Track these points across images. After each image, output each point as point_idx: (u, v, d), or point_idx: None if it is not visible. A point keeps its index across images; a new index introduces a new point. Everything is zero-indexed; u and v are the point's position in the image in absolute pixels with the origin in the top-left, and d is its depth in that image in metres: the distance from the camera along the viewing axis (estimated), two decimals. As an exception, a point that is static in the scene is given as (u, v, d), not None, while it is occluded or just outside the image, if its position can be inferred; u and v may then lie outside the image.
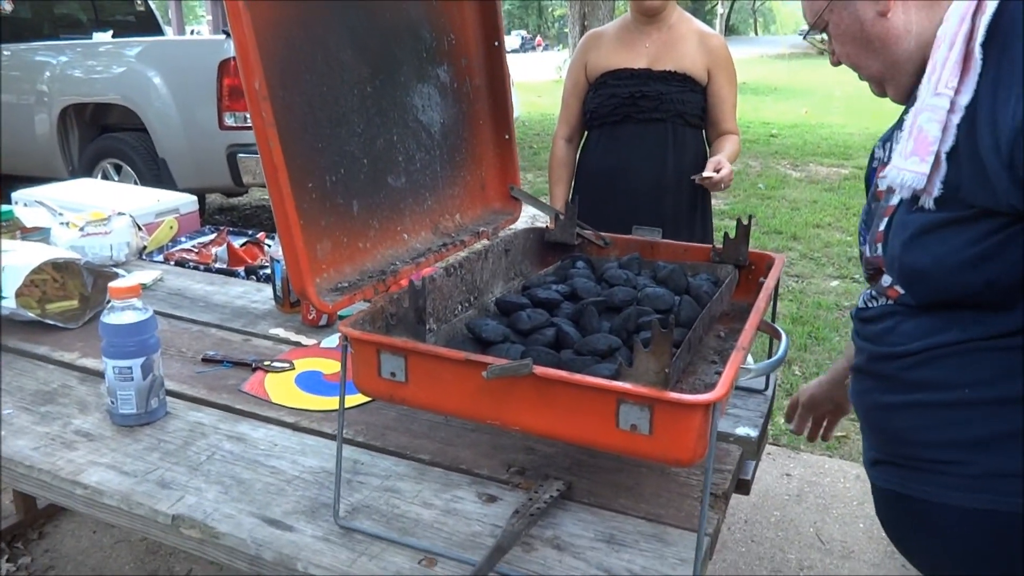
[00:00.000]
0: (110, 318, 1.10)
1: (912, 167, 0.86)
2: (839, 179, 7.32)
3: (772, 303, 1.11)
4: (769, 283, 1.05)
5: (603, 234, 1.29)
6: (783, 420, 1.51)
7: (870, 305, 1.01)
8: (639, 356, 0.75)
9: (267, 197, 6.20)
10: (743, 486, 1.13)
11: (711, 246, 1.21)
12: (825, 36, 1.03)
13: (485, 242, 1.24)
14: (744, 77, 18.97)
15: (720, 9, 25.38)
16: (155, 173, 4.72)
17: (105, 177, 4.98)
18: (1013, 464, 0.86)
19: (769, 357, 1.25)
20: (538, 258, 1.33)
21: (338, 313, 1.14)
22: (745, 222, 1.16)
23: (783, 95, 14.99)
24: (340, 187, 1.00)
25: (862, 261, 1.03)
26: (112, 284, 1.11)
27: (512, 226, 1.33)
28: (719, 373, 0.97)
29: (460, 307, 1.14)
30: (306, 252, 0.88)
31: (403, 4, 1.14)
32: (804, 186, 7.03)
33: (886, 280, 0.98)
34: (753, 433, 1.11)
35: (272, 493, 0.97)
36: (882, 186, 0.97)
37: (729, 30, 35.94)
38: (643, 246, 1.26)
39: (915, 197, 0.88)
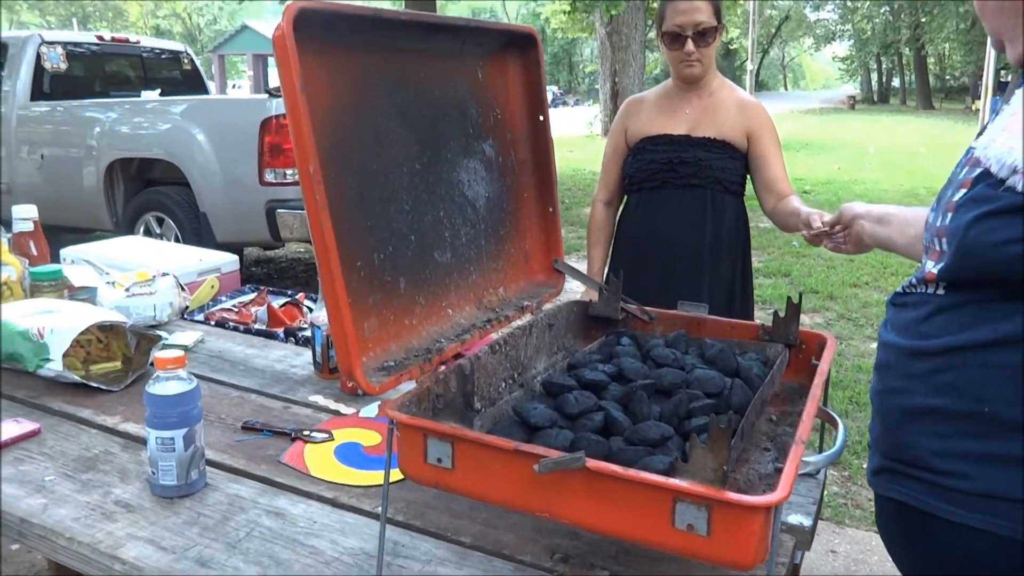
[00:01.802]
0: (155, 388, 1.10)
1: (1013, 143, 0.84)
2: (875, 237, 7.24)
3: (825, 387, 1.08)
4: (823, 367, 1.02)
5: (648, 309, 1.28)
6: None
7: (908, 292, 1.00)
8: (696, 452, 0.72)
9: (302, 250, 6.31)
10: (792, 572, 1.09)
11: (760, 324, 1.19)
12: None
13: (529, 316, 1.23)
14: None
15: (750, 65, 25.61)
16: (195, 227, 4.83)
17: (147, 230, 5.10)
18: (1016, 490, 0.85)
19: (821, 441, 1.22)
20: (581, 332, 1.32)
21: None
22: (796, 300, 1.14)
23: (815, 150, 14.98)
24: (388, 264, 1.01)
25: (925, 233, 1.01)
26: (158, 354, 1.12)
27: (555, 298, 1.32)
28: (773, 463, 0.95)
29: (504, 384, 1.13)
30: (355, 333, 0.88)
31: (451, 81, 1.16)
32: (839, 244, 6.96)
33: (928, 265, 0.96)
34: (807, 522, 1.07)
35: (311, 575, 0.94)
36: (976, 153, 0.94)
37: (759, 86, 36.24)
38: (689, 322, 1.24)
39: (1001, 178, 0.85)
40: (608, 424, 0.92)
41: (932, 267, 0.96)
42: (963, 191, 0.92)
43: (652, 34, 19.55)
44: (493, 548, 1.01)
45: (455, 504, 1.10)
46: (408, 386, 0.96)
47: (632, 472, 0.74)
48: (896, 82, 42.68)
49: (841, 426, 0.95)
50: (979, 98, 20.47)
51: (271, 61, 32.91)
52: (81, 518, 1.04)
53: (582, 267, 1.80)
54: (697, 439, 0.73)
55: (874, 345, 4.49)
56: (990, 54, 16.83)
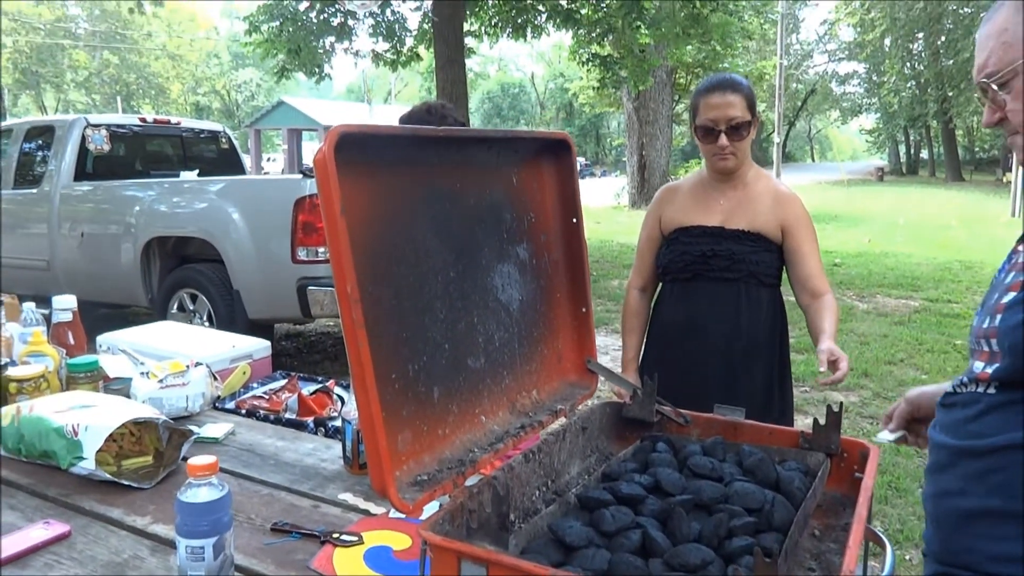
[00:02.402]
0: (187, 496, 1.09)
1: None
2: (909, 312, 7.14)
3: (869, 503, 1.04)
4: (867, 482, 0.99)
5: (683, 412, 1.26)
6: (880, 433, 1.39)
7: (957, 391, 0.98)
8: (740, 587, 0.70)
9: (332, 324, 6.33)
10: None
11: (800, 431, 1.16)
12: (995, 88, 1.00)
13: (562, 420, 1.22)
14: (804, 204, 19.07)
15: (776, 138, 25.90)
16: (228, 303, 4.91)
17: (181, 306, 5.19)
18: None
19: (865, 556, 1.17)
20: (615, 434, 1.30)
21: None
22: (836, 409, 1.11)
23: (844, 223, 14.94)
24: (422, 375, 1.01)
25: (971, 336, 1.00)
26: (191, 461, 1.12)
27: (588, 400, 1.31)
28: (819, 586, 0.91)
29: (538, 492, 1.11)
30: (388, 449, 0.87)
31: (486, 189, 1.18)
32: (872, 319, 6.88)
33: (978, 365, 0.96)
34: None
35: None
36: (1021, 259, 0.97)
37: (786, 157, 36.51)
38: (725, 427, 1.22)
39: None
40: (646, 543, 0.89)
41: (983, 367, 0.96)
42: (1012, 294, 0.94)
43: (680, 107, 19.94)
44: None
45: (487, 619, 1.07)
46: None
47: (674, 608, 0.71)
48: (924, 154, 42.79)
49: (889, 550, 0.91)
50: (1010, 170, 20.41)
51: (305, 135, 34.03)
52: (109, 631, 1.03)
53: (612, 343, 1.78)
54: (742, 571, 0.71)
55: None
56: (1017, 126, 16.84)
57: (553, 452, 1.15)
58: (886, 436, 1.33)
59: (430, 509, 1.00)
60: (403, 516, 1.38)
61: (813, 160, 64.32)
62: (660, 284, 2.21)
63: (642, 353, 2.21)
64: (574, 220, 1.32)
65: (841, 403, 1.16)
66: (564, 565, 0.86)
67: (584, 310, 1.34)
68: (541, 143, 1.25)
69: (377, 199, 0.97)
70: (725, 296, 1.99)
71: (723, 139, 1.97)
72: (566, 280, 1.34)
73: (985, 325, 0.97)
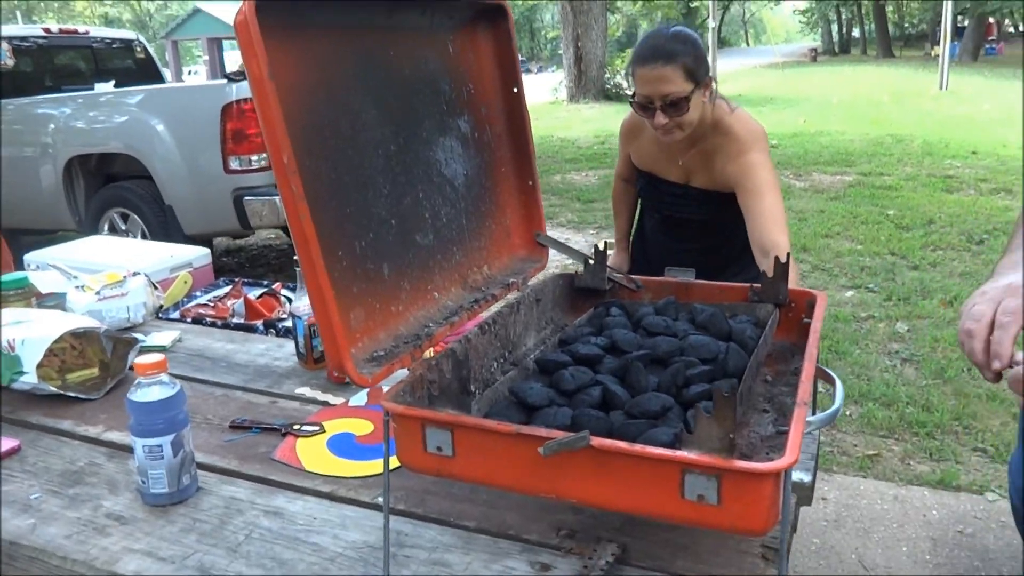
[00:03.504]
0: (137, 395, 1.07)
1: None
2: (844, 187, 7.30)
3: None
4: (816, 325, 1.01)
5: (634, 277, 1.26)
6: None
7: None
8: (700, 421, 0.71)
9: (273, 236, 6.19)
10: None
11: (748, 285, 1.18)
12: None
13: (515, 293, 1.21)
14: (739, 88, 19.05)
15: (711, 23, 25.54)
16: (162, 220, 4.73)
17: (112, 226, 4.99)
18: None
19: (814, 398, 1.22)
20: (568, 305, 1.30)
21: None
22: (783, 260, 1.13)
23: (779, 105, 15.02)
24: (370, 251, 0.98)
25: None
26: (138, 360, 1.08)
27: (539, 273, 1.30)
28: (773, 424, 0.94)
29: (496, 364, 1.11)
30: (342, 324, 0.85)
31: (421, 58, 1.12)
32: (809, 196, 7.01)
33: None
34: (807, 478, 1.07)
35: (317, 574, 0.93)
36: None
37: (721, 42, 36.13)
38: (676, 288, 1.23)
39: None
40: (607, 398, 0.91)
41: None
42: None
43: (611, -5, 19.36)
44: (498, 529, 1.00)
45: (455, 489, 1.09)
46: (400, 374, 0.94)
47: (638, 447, 0.73)
48: (856, 32, 42.84)
49: (839, 384, 0.95)
50: (938, 44, 20.62)
51: (227, 45, 32.14)
52: (73, 535, 1.01)
53: (560, 235, 1.77)
54: (700, 408, 0.72)
55: (849, 294, 4.55)
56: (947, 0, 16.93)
57: (509, 324, 1.15)
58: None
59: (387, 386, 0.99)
60: (362, 404, 1.39)
61: (748, 44, 63.93)
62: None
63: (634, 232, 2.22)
64: (515, 90, 1.27)
65: (788, 253, 1.18)
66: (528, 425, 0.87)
67: (531, 183, 1.31)
68: (476, 7, 1.19)
69: (306, 66, 0.91)
70: (699, 233, 1.97)
71: (659, 116, 1.74)
72: (510, 153, 1.30)
73: None
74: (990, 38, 28.82)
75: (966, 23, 28.08)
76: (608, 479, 0.76)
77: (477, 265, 1.21)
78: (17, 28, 6.06)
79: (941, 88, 16.28)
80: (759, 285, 1.17)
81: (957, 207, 6.27)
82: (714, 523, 0.73)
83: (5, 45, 5.62)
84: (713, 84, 1.81)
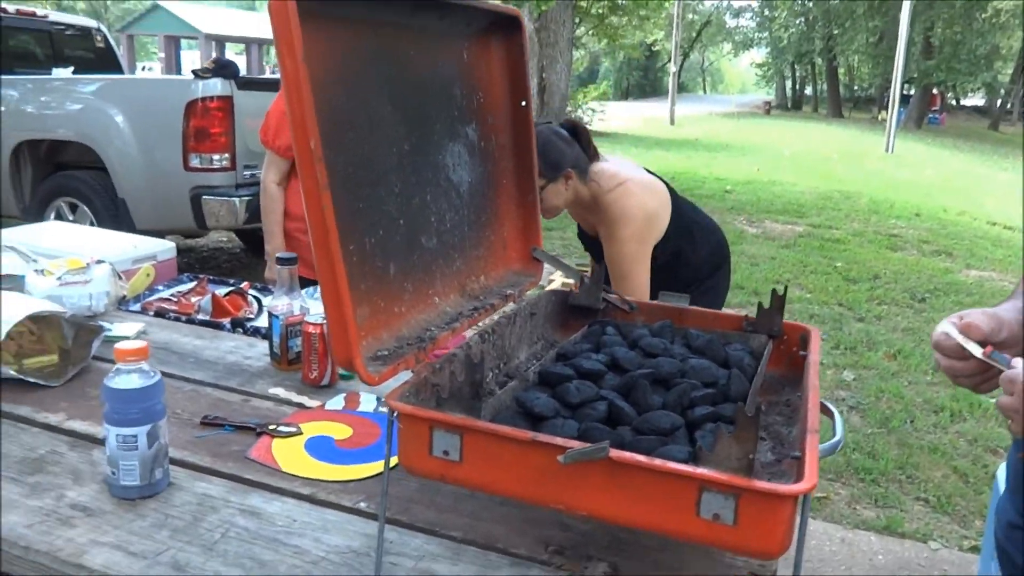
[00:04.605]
0: (115, 382, 1.02)
1: None
2: (794, 236, 7.52)
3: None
4: (814, 357, 1.03)
5: (628, 299, 1.26)
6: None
7: None
8: (721, 441, 0.71)
9: (225, 239, 6.05)
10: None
11: (744, 315, 1.19)
12: None
13: (511, 305, 1.20)
14: (696, 133, 19.55)
15: (672, 67, 26.25)
16: (113, 213, 4.58)
17: (59, 215, 4.81)
18: None
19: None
20: (560, 322, 1.30)
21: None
22: (780, 292, 1.14)
23: (734, 152, 15.44)
24: (378, 249, 0.96)
25: None
26: (118, 346, 1.03)
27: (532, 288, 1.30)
28: (772, 451, 0.95)
29: (491, 374, 1.10)
30: (354, 320, 0.83)
31: (437, 61, 1.11)
32: (761, 242, 7.20)
33: None
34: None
35: (299, 578, 0.89)
36: None
37: (680, 87, 37.01)
38: (670, 312, 1.24)
39: None
40: (612, 414, 0.90)
41: None
42: None
43: (580, 30, 19.71)
44: (485, 541, 0.97)
45: (439, 498, 1.06)
46: (394, 378, 0.91)
47: (658, 462, 0.72)
48: (809, 90, 44.47)
49: (838, 417, 0.96)
50: (885, 108, 21.56)
51: (184, 43, 31.47)
52: (35, 524, 0.95)
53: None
54: (722, 428, 0.72)
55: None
56: (897, 68, 17.75)
57: (505, 335, 1.13)
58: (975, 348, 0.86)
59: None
60: (339, 408, 1.35)
61: (705, 92, 65.75)
62: None
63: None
64: (523, 104, 1.27)
65: (785, 287, 1.19)
66: (532, 435, 0.86)
67: (530, 198, 1.31)
68: (492, 17, 1.19)
69: (331, 56, 0.89)
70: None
71: None
72: (512, 166, 1.30)
73: None
74: (934, 108, 30.28)
75: (912, 91, 29.45)
76: (621, 492, 0.74)
77: (475, 274, 1.19)
78: None
79: (887, 150, 16.99)
80: (753, 316, 1.18)
81: (901, 265, 6.51)
82: (728, 543, 0.72)
83: (-43, 21, 5.41)
84: (574, 173, 1.98)
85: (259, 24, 29.80)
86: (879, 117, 28.97)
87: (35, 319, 1.44)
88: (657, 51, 43.21)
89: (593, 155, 2.05)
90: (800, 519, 0.72)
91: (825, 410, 0.99)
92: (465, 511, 1.04)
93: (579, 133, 2.04)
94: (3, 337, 1.32)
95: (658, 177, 2.13)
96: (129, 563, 0.89)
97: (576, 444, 0.74)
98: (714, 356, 1.08)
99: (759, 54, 48.09)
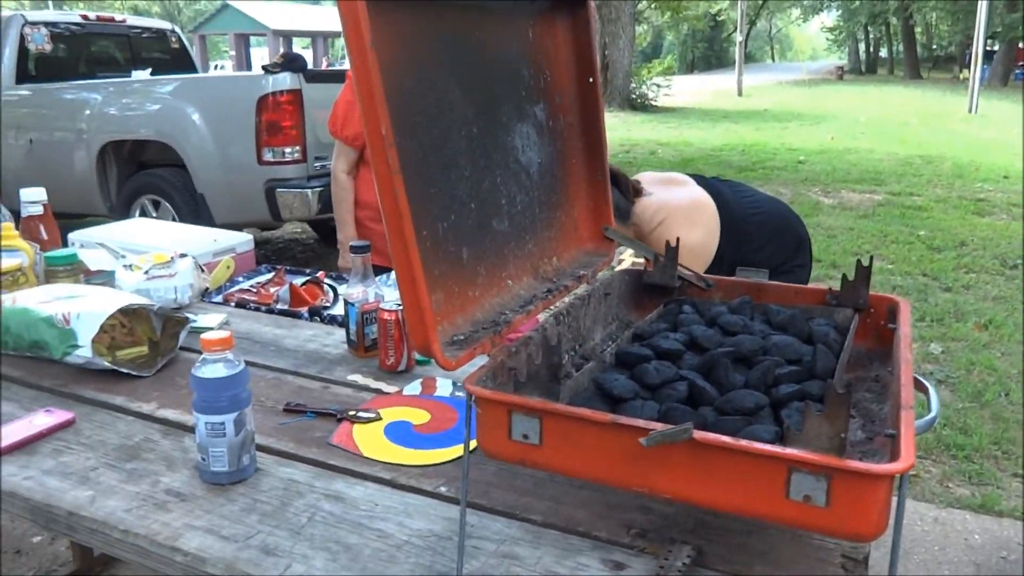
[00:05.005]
0: (202, 371, 1.05)
1: None
2: (872, 205, 7.24)
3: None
4: (905, 330, 0.98)
5: (704, 276, 1.23)
6: None
7: None
8: (811, 420, 0.68)
9: (299, 230, 6.21)
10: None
11: (827, 288, 1.14)
12: None
13: (585, 286, 1.18)
14: (765, 103, 18.96)
15: (738, 36, 25.48)
16: (193, 208, 4.74)
17: (143, 213, 5.01)
18: None
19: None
20: (634, 302, 1.28)
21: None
22: (866, 263, 1.10)
23: (806, 121, 14.93)
24: (451, 234, 0.96)
25: None
26: (204, 336, 1.06)
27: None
28: (862, 429, 0.91)
29: (567, 357, 1.08)
30: (431, 306, 0.83)
31: (503, 41, 1.10)
32: (838, 213, 6.95)
33: None
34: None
35: (383, 560, 0.90)
36: None
37: (747, 57, 35.84)
38: (749, 288, 1.20)
39: None
40: (693, 394, 0.88)
41: None
42: None
43: (641, 5, 19.34)
44: (566, 525, 0.97)
45: (519, 481, 1.06)
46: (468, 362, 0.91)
47: (744, 443, 0.70)
48: (884, 52, 42.58)
49: (933, 392, 0.91)
50: (967, 67, 20.45)
51: (253, 41, 32.28)
52: (133, 509, 1.00)
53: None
54: (810, 406, 0.69)
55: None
56: (979, 23, 16.78)
57: (580, 316, 1.12)
58: None
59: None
60: (416, 393, 1.36)
61: (774, 60, 63.70)
62: None
63: None
64: (590, 80, 1.25)
65: (871, 257, 1.14)
66: (612, 417, 0.84)
67: (600, 176, 1.29)
68: (557, -7, 1.17)
69: (400, 39, 0.89)
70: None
71: None
72: (581, 145, 1.28)
73: None
74: (1020, 63, 28.56)
75: (996, 47, 27.83)
76: (706, 475, 0.73)
77: (547, 256, 1.18)
78: (54, 14, 6.10)
79: (970, 111, 16.14)
80: (837, 289, 1.13)
81: (989, 230, 6.19)
82: (820, 526, 0.70)
83: (44, 30, 5.68)
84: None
85: (324, 18, 30.30)
86: (960, 76, 27.51)
87: (126, 312, 1.50)
88: (722, 21, 42.03)
89: (635, 195, 2.04)
90: (897, 500, 0.69)
91: (919, 385, 0.94)
92: (545, 495, 1.04)
93: (617, 179, 2.02)
94: (98, 330, 1.39)
95: (712, 185, 2.08)
96: (221, 546, 0.92)
97: (657, 426, 0.73)
98: (797, 332, 1.04)
99: (829, 18, 46.25)
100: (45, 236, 1.91)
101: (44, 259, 1.74)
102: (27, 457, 1.13)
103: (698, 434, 0.71)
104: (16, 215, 1.95)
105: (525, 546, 0.93)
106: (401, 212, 0.80)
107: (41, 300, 1.48)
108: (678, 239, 1.28)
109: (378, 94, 0.78)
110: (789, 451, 0.68)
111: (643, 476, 0.76)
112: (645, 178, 2.15)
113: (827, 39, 50.23)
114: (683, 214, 2.01)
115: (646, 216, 2.01)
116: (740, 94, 22.56)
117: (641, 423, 0.74)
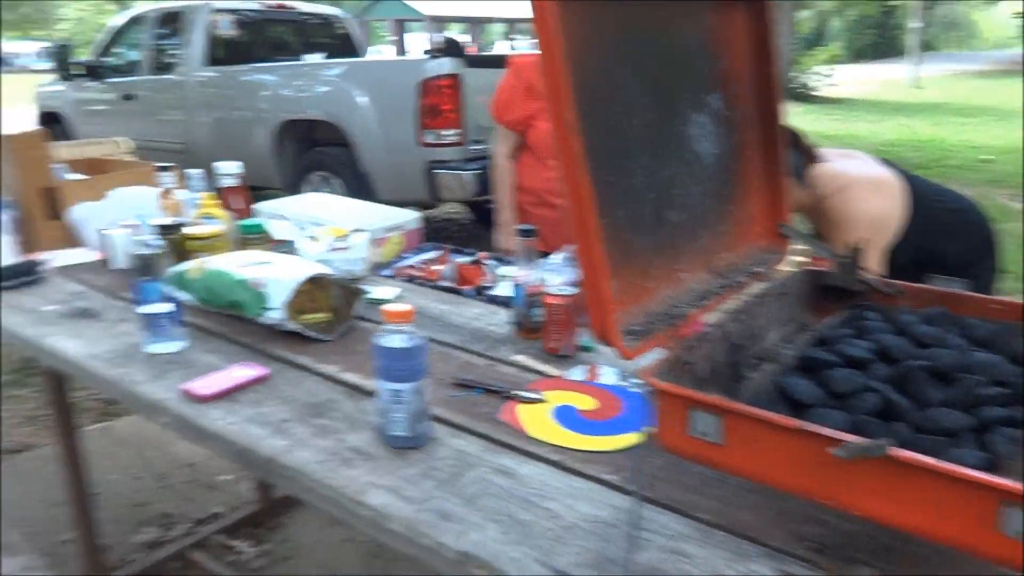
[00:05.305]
0: (386, 341, 1.11)
1: None
2: (1069, 212, 6.52)
3: None
4: None
5: (893, 281, 1.17)
6: None
7: None
8: (1028, 447, 0.64)
9: (456, 210, 6.39)
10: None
11: (1035, 304, 1.05)
12: None
13: (760, 284, 1.16)
14: (943, 96, 17.46)
15: (914, 23, 23.55)
16: (358, 186, 5.00)
17: (314, 188, 5.34)
18: None
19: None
20: (812, 304, 1.23)
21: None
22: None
23: (991, 116, 13.64)
24: (627, 222, 0.96)
25: None
26: (385, 307, 1.13)
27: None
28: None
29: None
30: (611, 293, 0.84)
31: (680, 28, 1.09)
32: (1028, 219, 6.32)
33: None
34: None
35: (552, 540, 0.93)
36: None
37: (924, 46, 33.16)
38: (942, 298, 1.12)
39: None
40: (885, 407, 0.84)
41: None
42: None
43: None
44: (736, 528, 0.96)
45: (685, 477, 1.06)
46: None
47: (951, 467, 0.66)
48: (1087, 40, 38.03)
49: None
50: None
51: (408, 26, 33.33)
52: (323, 462, 1.08)
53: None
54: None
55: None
56: None
57: (755, 315, 1.10)
58: None
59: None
60: (580, 379, 1.38)
61: (955, 49, 58.54)
62: None
63: None
64: (769, 71, 1.21)
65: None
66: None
67: (777, 171, 1.25)
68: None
69: (582, 25, 0.89)
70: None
71: None
72: (758, 137, 1.24)
73: None
74: None
75: None
76: (902, 496, 0.70)
77: (721, 250, 1.16)
78: (236, 2, 6.59)
79: None
80: (1048, 304, 1.04)
81: None
82: (1033, 562, 0.65)
83: (229, 16, 6.15)
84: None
85: (479, 4, 30.86)
86: None
87: (312, 280, 1.61)
88: (895, 6, 39.02)
89: (812, 158, 1.92)
90: None
91: None
92: (712, 494, 1.03)
93: (797, 137, 1.93)
94: (288, 295, 1.50)
95: (899, 169, 1.94)
96: (401, 506, 0.98)
97: (847, 437, 0.70)
98: (1001, 350, 0.97)
99: (1020, 3, 41.82)
100: (239, 206, 2.08)
101: (238, 227, 1.90)
102: (230, 404, 1.25)
103: (897, 452, 0.68)
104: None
105: (694, 544, 0.93)
106: (584, 197, 0.82)
107: (237, 264, 1.63)
108: (857, 245, 1.22)
109: (564, 80, 0.80)
110: (1003, 481, 0.64)
111: (830, 489, 0.73)
112: (822, 151, 2.05)
113: (1017, 26, 45.48)
114: (867, 183, 1.91)
115: (825, 178, 1.92)
116: (915, 85, 20.94)
117: (830, 432, 0.72)
